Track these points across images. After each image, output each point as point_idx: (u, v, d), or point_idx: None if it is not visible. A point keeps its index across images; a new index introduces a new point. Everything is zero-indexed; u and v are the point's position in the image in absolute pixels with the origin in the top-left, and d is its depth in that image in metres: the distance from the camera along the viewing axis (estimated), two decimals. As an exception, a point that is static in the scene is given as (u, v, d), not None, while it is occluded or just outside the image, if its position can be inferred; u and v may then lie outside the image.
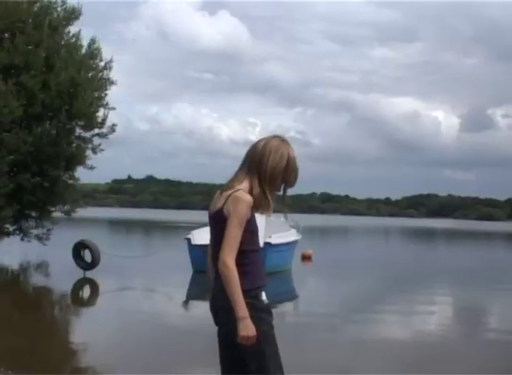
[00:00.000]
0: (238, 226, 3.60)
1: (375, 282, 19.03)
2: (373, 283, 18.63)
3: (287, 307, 13.87)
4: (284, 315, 12.24)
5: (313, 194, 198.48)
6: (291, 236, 19.70)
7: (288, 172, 3.79)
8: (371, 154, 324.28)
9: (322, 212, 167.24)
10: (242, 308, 3.48)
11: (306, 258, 23.75)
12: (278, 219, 21.81)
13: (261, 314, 3.61)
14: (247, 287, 3.55)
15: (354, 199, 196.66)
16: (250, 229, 3.67)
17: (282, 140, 3.84)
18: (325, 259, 24.86)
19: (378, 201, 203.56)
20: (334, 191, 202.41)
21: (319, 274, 20.75)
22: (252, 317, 3.50)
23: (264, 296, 3.67)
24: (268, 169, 3.73)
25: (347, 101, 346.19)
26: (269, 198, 3.73)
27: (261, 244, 17.33)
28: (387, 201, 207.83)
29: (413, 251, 36.17)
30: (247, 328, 3.48)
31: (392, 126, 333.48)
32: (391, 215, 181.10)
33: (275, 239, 17.94)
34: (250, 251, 3.68)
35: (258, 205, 3.72)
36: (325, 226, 68.24)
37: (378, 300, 15.07)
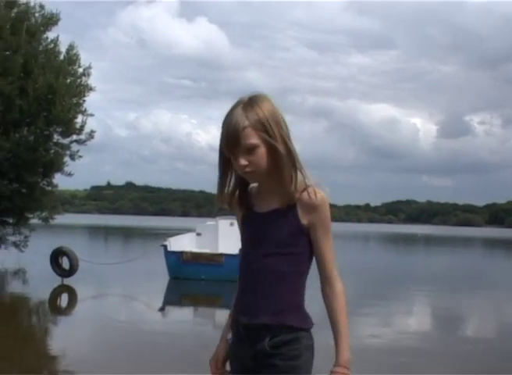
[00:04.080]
0: None
1: (354, 287, 19.08)
2: (352, 289, 18.68)
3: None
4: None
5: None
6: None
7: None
8: (350, 160, 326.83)
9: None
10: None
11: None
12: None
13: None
14: None
15: (334, 206, 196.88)
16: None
17: None
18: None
19: (357, 207, 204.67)
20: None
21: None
22: None
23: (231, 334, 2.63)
24: None
25: (325, 107, 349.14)
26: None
27: (236, 250, 17.50)
28: (366, 207, 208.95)
29: (393, 257, 36.31)
30: None
31: (370, 132, 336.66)
32: (370, 221, 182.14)
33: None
34: None
35: None
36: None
37: (356, 305, 15.11)
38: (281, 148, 2.41)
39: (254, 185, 2.60)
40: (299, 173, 2.46)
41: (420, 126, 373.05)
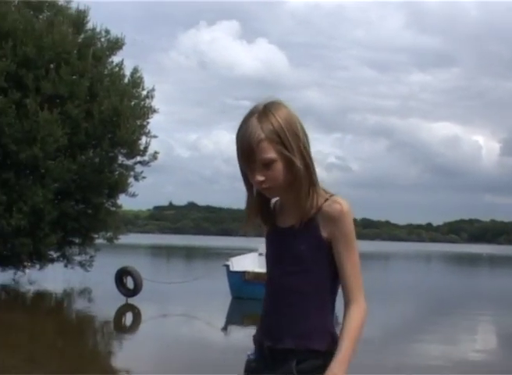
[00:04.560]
0: None
1: (418, 308, 18.86)
2: (415, 310, 18.47)
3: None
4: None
5: (353, 220, 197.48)
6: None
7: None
8: (411, 179, 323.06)
9: (363, 238, 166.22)
10: None
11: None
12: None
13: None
14: None
15: (395, 225, 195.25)
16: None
17: None
18: (366, 285, 24.61)
19: (419, 226, 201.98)
20: (374, 217, 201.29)
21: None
22: None
23: (252, 350, 2.48)
24: None
25: (386, 126, 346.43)
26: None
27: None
28: (428, 226, 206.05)
29: (456, 278, 35.70)
30: None
31: (431, 150, 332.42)
32: (432, 240, 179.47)
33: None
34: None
35: None
36: (365, 252, 67.78)
37: (419, 325, 14.94)
38: (298, 162, 2.25)
39: (278, 199, 2.43)
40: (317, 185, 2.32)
41: (482, 143, 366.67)
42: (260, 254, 20.17)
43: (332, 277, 2.34)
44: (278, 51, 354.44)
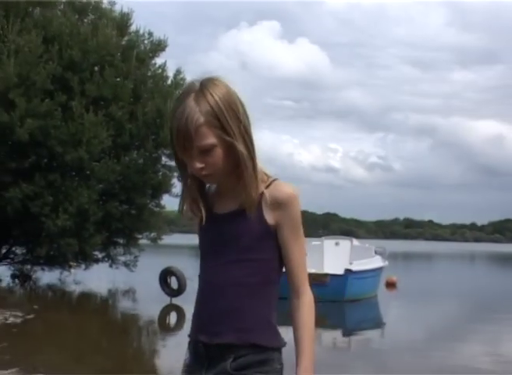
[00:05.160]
0: None
1: (462, 309, 18.65)
2: (460, 311, 18.27)
3: (373, 334, 13.77)
4: (370, 341, 12.22)
5: (396, 220, 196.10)
6: (375, 262, 19.57)
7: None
8: (455, 178, 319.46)
9: (405, 237, 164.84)
10: None
11: (390, 285, 23.43)
12: (363, 245, 21.82)
13: None
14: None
15: (438, 225, 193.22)
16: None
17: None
18: (410, 286, 24.49)
19: (463, 226, 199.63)
20: (417, 217, 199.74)
21: (405, 301, 20.46)
22: None
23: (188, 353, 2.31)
24: None
25: (428, 125, 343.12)
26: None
27: (342, 271, 17.44)
28: (472, 226, 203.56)
29: (501, 278, 35.22)
30: None
31: (475, 149, 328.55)
32: (476, 240, 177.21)
33: (357, 266, 17.88)
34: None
35: None
36: (408, 252, 67.21)
37: (465, 327, 14.78)
38: (240, 146, 2.09)
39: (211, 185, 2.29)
40: (259, 169, 2.15)
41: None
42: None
43: (278, 267, 2.20)
44: (319, 51, 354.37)
